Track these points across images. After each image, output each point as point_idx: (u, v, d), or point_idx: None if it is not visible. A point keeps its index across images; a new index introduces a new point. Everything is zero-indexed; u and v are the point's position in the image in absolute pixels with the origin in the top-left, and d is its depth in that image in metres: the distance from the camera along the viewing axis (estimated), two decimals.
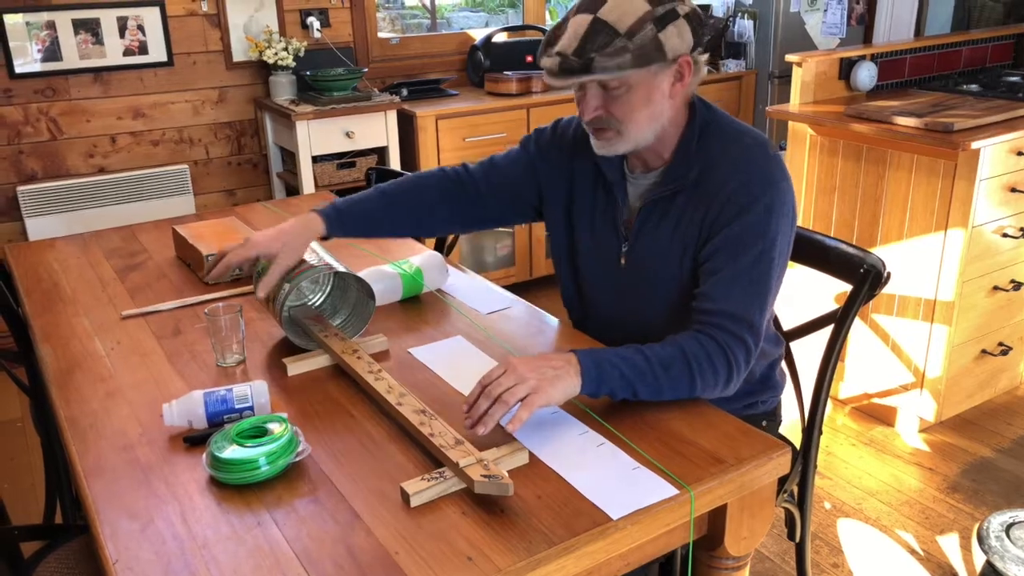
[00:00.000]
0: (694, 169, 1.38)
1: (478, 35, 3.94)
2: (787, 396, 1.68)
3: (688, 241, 1.39)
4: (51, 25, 3.15)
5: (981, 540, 1.87)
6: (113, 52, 3.27)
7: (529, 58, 3.87)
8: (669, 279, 1.43)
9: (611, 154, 1.41)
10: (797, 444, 1.59)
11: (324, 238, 1.53)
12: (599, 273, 1.53)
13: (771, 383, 1.58)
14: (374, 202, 1.58)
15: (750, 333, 1.30)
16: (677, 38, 1.29)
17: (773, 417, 1.62)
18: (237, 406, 1.25)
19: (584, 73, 1.28)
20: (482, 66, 3.79)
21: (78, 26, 3.19)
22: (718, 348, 1.28)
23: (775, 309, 1.59)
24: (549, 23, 4.37)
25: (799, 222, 2.80)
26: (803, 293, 2.76)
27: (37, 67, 3.16)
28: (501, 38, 3.90)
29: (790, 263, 1.53)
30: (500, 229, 3.83)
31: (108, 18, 3.24)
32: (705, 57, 1.37)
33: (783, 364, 1.63)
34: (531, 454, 1.15)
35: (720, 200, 1.34)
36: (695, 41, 1.32)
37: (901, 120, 2.53)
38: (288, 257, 1.46)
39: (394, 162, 3.44)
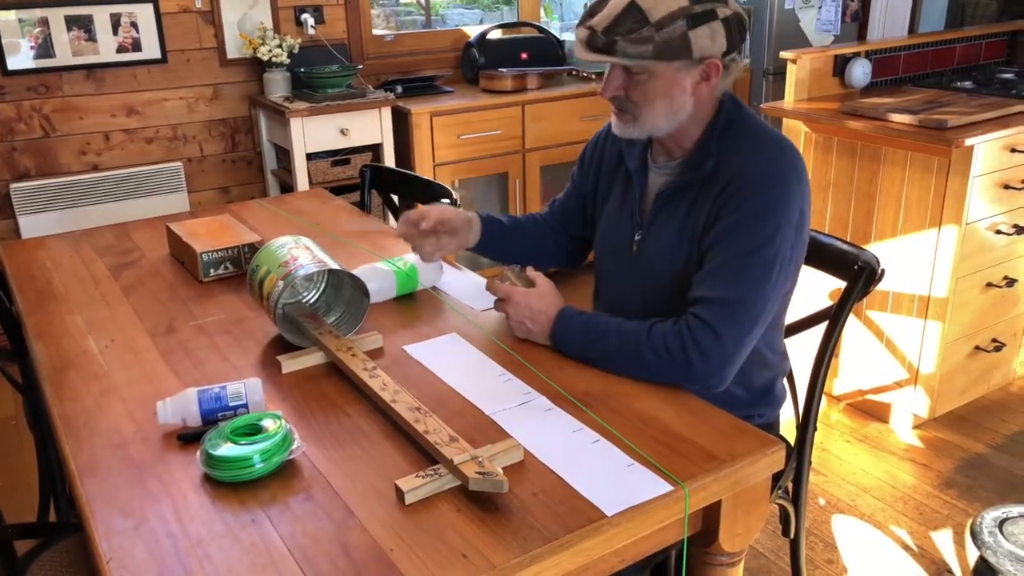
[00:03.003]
0: (709, 164, 1.40)
1: (473, 32, 3.94)
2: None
3: (694, 234, 1.41)
4: (44, 22, 3.13)
5: (975, 536, 1.87)
6: (106, 49, 3.26)
7: (524, 55, 3.86)
8: (674, 271, 1.44)
9: (625, 136, 1.44)
10: (791, 440, 1.59)
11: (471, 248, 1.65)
12: (612, 259, 1.57)
13: (771, 398, 1.56)
14: (511, 226, 1.69)
15: (725, 322, 1.30)
16: (708, 39, 1.29)
17: (769, 431, 1.61)
18: (231, 404, 1.25)
19: (605, 53, 1.31)
20: (477, 63, 3.78)
21: (71, 23, 3.18)
22: (677, 338, 1.31)
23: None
24: (544, 20, 4.37)
25: None
26: (797, 290, 2.76)
27: (30, 64, 3.15)
28: (496, 35, 3.90)
29: None
30: None
31: (101, 15, 3.22)
32: (745, 62, 1.39)
33: (785, 380, 1.62)
34: (526, 451, 1.15)
35: (726, 193, 1.36)
36: (729, 46, 1.32)
37: (895, 117, 2.54)
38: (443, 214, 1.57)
39: (388, 159, 3.43)
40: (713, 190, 1.38)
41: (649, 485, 1.08)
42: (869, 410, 2.81)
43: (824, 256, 1.61)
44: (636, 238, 1.50)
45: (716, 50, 1.31)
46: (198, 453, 1.13)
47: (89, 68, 3.26)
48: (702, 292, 1.35)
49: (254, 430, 1.15)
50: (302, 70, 3.39)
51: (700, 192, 1.41)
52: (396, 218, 2.52)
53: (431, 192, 2.29)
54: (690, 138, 1.43)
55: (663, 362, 1.31)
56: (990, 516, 1.91)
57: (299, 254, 1.48)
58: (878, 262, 1.53)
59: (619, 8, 1.29)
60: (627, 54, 1.29)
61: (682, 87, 1.35)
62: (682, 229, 1.43)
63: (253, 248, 1.84)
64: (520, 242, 1.68)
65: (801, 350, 1.82)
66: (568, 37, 4.02)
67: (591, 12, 1.34)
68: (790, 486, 1.62)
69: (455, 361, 1.42)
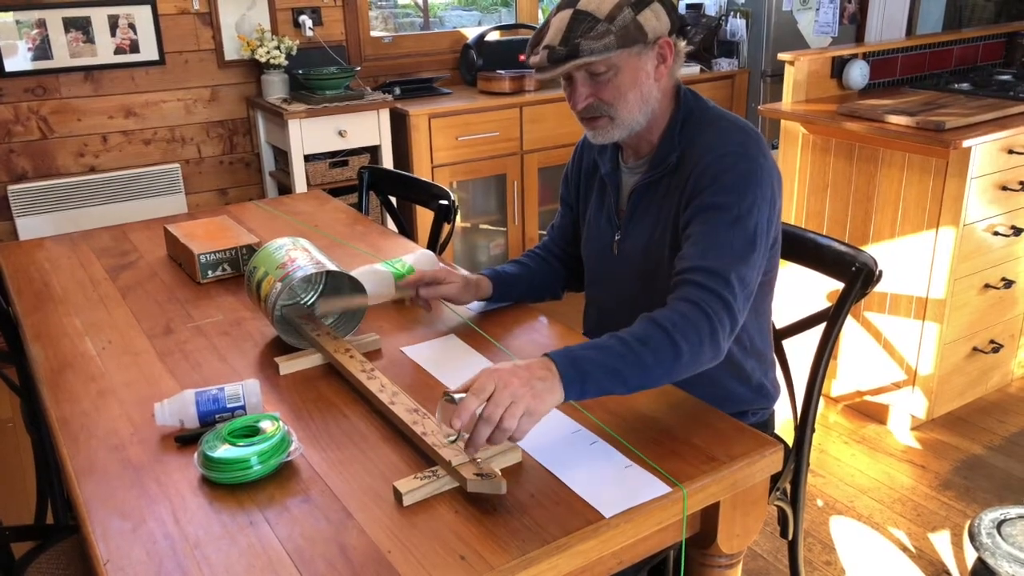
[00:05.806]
0: (675, 154, 1.43)
1: (471, 34, 3.94)
2: (780, 396, 1.68)
3: (668, 223, 1.43)
4: (41, 23, 3.13)
5: (973, 537, 1.87)
6: (104, 51, 3.26)
7: (522, 57, 3.86)
8: (656, 266, 1.46)
9: (606, 142, 1.45)
10: (790, 442, 1.59)
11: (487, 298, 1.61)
12: (597, 263, 1.59)
13: (764, 392, 1.57)
14: (518, 274, 1.67)
15: (726, 288, 1.25)
16: (655, 20, 1.35)
17: (764, 429, 1.61)
18: (229, 405, 1.24)
19: (572, 59, 1.33)
20: (475, 65, 3.78)
21: (69, 24, 3.18)
22: (692, 306, 1.23)
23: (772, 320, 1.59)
24: (542, 22, 4.37)
25: (792, 220, 2.84)
26: (795, 291, 2.76)
27: (27, 66, 3.15)
28: (494, 37, 3.90)
29: (783, 261, 1.53)
30: (493, 228, 3.83)
31: (99, 16, 3.22)
32: (684, 43, 1.42)
33: (778, 372, 1.63)
34: (524, 452, 1.15)
35: (695, 176, 1.37)
36: (672, 23, 1.38)
37: (893, 119, 2.54)
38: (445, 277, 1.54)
39: (387, 161, 3.43)
40: (682, 178, 1.40)
41: (647, 486, 1.08)
42: (867, 411, 2.81)
43: (822, 257, 1.61)
44: (616, 238, 1.52)
45: (663, 29, 1.36)
46: (196, 455, 1.13)
47: (87, 70, 3.25)
48: (696, 263, 1.28)
49: (252, 432, 1.15)
50: (300, 72, 3.39)
51: (670, 183, 1.43)
52: (394, 220, 2.52)
53: (429, 193, 2.28)
54: (656, 132, 1.46)
55: (693, 340, 1.20)
56: (988, 517, 1.91)
57: (297, 256, 1.48)
58: (876, 263, 1.53)
59: (566, 20, 1.34)
60: (593, 50, 1.32)
61: (646, 72, 1.38)
62: (657, 222, 1.45)
63: (251, 250, 1.84)
64: (529, 283, 1.67)
65: (799, 352, 1.82)
66: None
67: (537, 40, 1.39)
68: (788, 487, 1.62)
69: (453, 362, 1.42)
